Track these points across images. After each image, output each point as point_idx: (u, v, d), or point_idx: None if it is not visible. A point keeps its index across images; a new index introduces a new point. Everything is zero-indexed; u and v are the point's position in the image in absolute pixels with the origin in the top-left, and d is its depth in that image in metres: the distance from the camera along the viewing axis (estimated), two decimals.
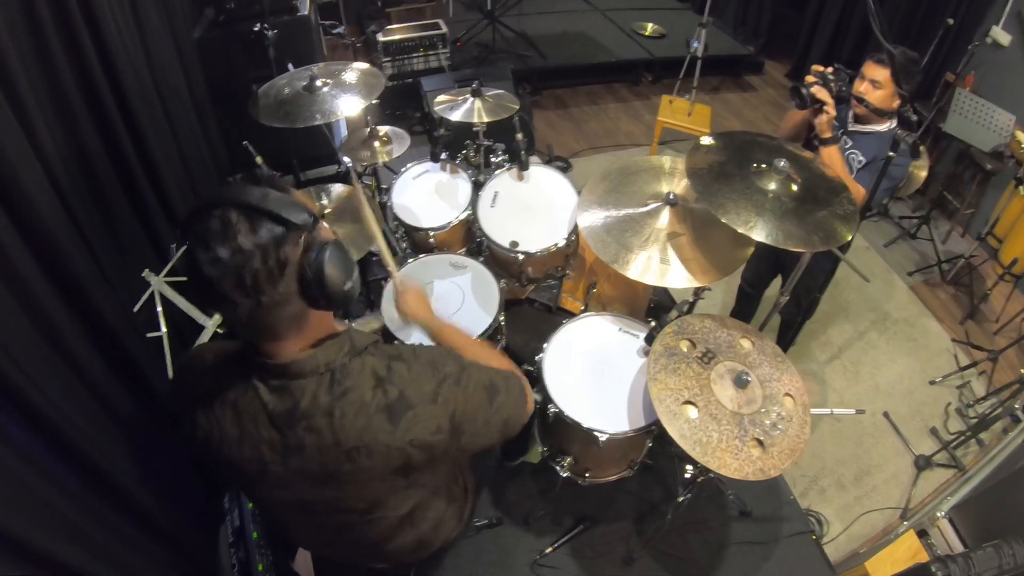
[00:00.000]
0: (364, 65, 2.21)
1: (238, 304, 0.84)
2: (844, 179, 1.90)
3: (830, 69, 2.04)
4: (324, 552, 1.55)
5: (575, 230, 2.10)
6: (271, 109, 2.05)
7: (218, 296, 0.83)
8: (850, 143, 2.14)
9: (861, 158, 2.10)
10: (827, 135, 2.01)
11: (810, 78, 2.02)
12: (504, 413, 1.10)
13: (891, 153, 1.75)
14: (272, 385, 0.96)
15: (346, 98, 2.06)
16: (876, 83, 2.01)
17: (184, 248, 0.85)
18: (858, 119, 2.13)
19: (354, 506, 1.08)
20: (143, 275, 1.68)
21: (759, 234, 1.54)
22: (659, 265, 1.70)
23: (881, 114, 2.04)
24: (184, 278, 1.78)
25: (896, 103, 2.04)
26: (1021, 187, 2.90)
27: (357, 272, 0.99)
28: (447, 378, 1.02)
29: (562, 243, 2.08)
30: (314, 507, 1.07)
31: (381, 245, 1.45)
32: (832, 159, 2.01)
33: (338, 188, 2.26)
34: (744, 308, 2.81)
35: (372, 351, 1.02)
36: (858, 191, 1.96)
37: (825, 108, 1.97)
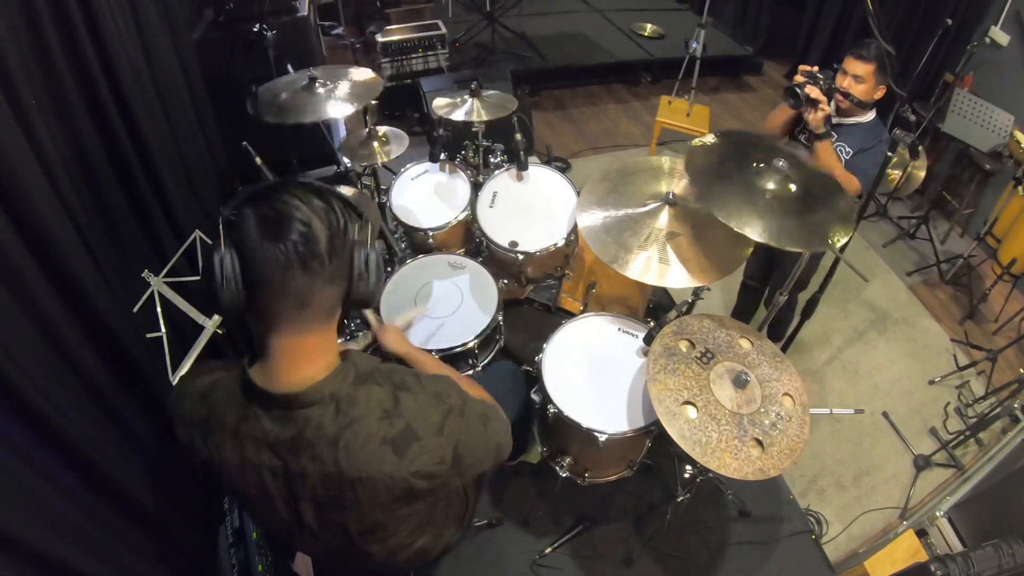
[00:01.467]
0: (367, 72, 2.20)
1: (308, 269, 0.87)
2: (838, 172, 2.06)
3: (815, 68, 2.10)
4: (324, 560, 1.55)
5: (574, 230, 2.10)
6: (266, 107, 2.05)
7: (288, 237, 0.85)
8: (835, 136, 2.18)
9: (848, 149, 2.16)
10: (821, 131, 2.08)
11: (799, 78, 2.09)
12: (496, 438, 1.11)
13: (890, 153, 1.78)
14: (274, 415, 0.95)
15: (341, 99, 2.06)
16: (858, 78, 2.07)
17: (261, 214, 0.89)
18: (841, 112, 2.17)
19: (355, 529, 1.07)
20: (143, 275, 1.68)
21: (759, 235, 1.54)
22: (658, 265, 1.70)
23: (863, 106, 2.12)
24: (184, 279, 1.79)
25: (878, 94, 2.11)
26: (1020, 187, 2.91)
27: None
28: (452, 410, 1.02)
29: (561, 243, 2.09)
30: (314, 529, 1.06)
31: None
32: (826, 153, 2.10)
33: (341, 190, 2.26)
34: (749, 300, 2.84)
35: (377, 379, 1.00)
36: (851, 183, 2.05)
37: (820, 106, 2.04)
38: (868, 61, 2.04)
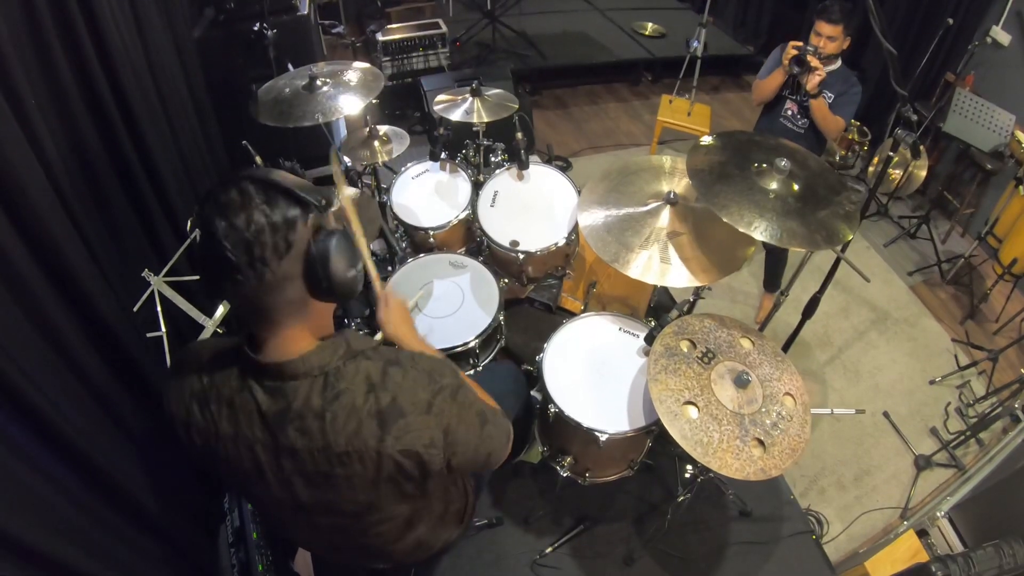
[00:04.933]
0: (363, 64, 2.21)
1: (244, 277, 0.85)
2: (830, 118, 2.53)
3: (800, 43, 2.48)
4: (322, 552, 1.54)
5: (575, 229, 2.10)
6: (268, 107, 2.05)
7: (227, 267, 0.84)
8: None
9: (829, 94, 2.56)
10: (816, 91, 2.49)
11: (793, 52, 2.47)
12: (490, 445, 1.08)
13: (891, 150, 1.80)
14: (266, 386, 0.96)
15: (343, 98, 2.06)
16: (831, 37, 2.47)
17: (198, 225, 0.88)
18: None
19: (348, 509, 1.07)
20: (143, 275, 1.68)
21: (762, 234, 1.54)
22: (659, 264, 1.70)
23: (834, 58, 2.56)
24: (184, 278, 1.79)
25: (845, 45, 2.53)
26: (1021, 187, 2.90)
27: (362, 265, 0.99)
28: (443, 390, 1.00)
29: (562, 242, 2.08)
30: (308, 508, 1.06)
31: (366, 255, 1.42)
32: (821, 108, 2.53)
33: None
34: (778, 261, 2.98)
35: (369, 355, 1.00)
36: (839, 122, 2.55)
37: (817, 72, 2.44)
38: (837, 23, 2.43)
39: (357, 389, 0.95)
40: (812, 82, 2.46)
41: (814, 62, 2.43)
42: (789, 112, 2.69)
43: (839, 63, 2.59)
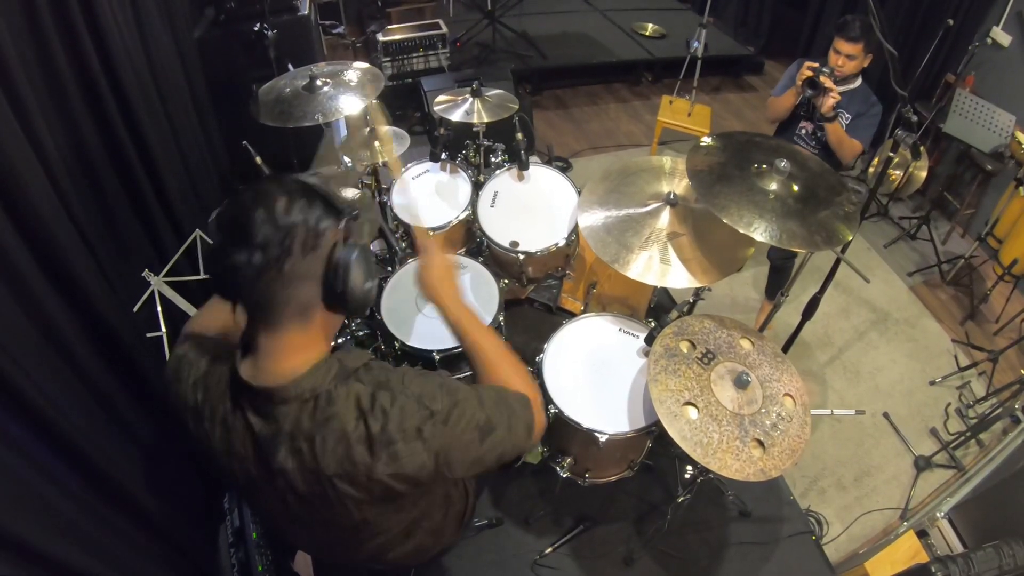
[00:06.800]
0: (364, 65, 2.21)
1: (266, 259, 0.85)
2: (846, 142, 2.44)
3: (816, 64, 2.42)
4: (322, 556, 1.54)
5: (575, 230, 2.10)
6: (268, 107, 2.05)
7: (252, 246, 0.85)
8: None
9: (847, 115, 2.48)
10: (831, 114, 2.41)
11: (808, 72, 2.40)
12: (498, 451, 1.05)
13: (892, 153, 1.80)
14: (258, 409, 0.96)
15: (344, 98, 2.06)
16: (851, 56, 2.39)
17: (226, 212, 0.89)
18: (836, 82, 2.46)
19: (344, 524, 1.07)
20: (143, 275, 1.68)
21: (761, 235, 1.54)
22: (659, 265, 1.70)
23: (853, 77, 2.48)
24: (184, 278, 1.79)
25: (866, 63, 2.44)
26: (1021, 188, 2.90)
27: (377, 281, 1.01)
28: (434, 415, 0.98)
29: (562, 243, 2.09)
30: (305, 522, 1.07)
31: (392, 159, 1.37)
32: (836, 132, 2.45)
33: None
34: (783, 273, 2.89)
35: (361, 376, 0.99)
36: (855, 146, 2.45)
37: (831, 94, 2.37)
38: (857, 41, 2.35)
39: (347, 414, 0.94)
40: (827, 105, 2.38)
41: (828, 84, 2.35)
42: (803, 131, 2.63)
43: (859, 81, 2.50)
